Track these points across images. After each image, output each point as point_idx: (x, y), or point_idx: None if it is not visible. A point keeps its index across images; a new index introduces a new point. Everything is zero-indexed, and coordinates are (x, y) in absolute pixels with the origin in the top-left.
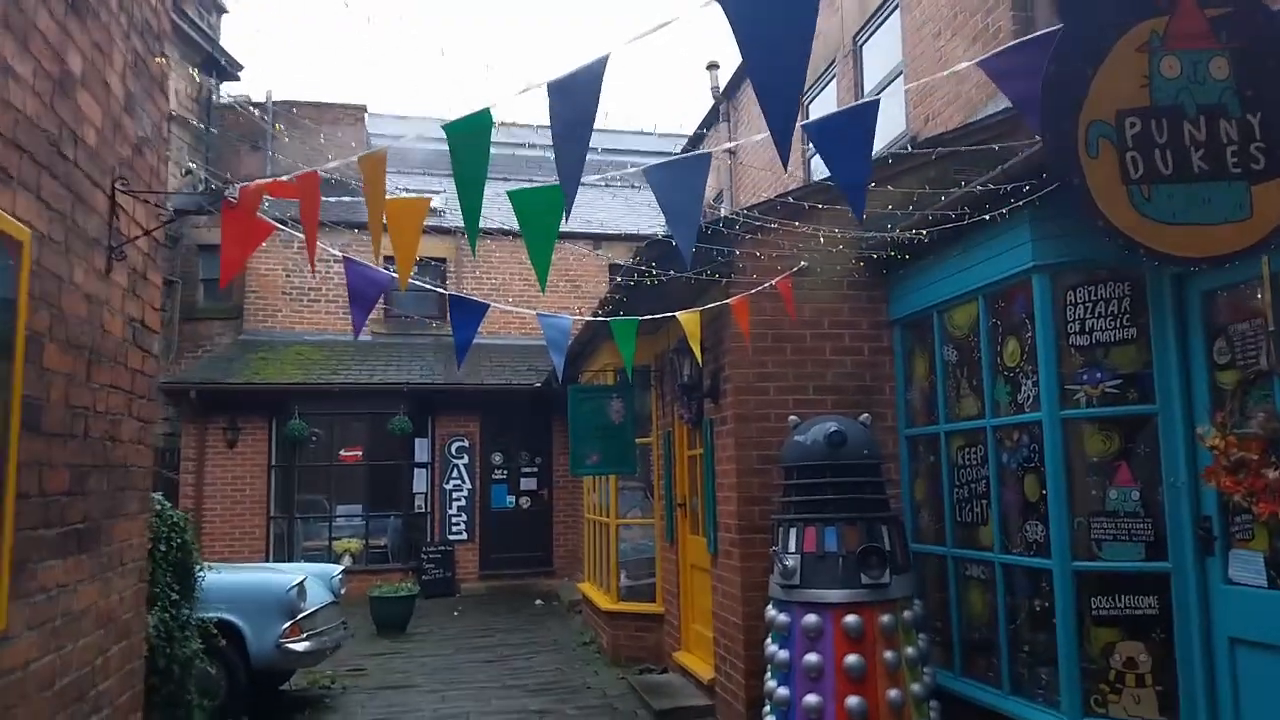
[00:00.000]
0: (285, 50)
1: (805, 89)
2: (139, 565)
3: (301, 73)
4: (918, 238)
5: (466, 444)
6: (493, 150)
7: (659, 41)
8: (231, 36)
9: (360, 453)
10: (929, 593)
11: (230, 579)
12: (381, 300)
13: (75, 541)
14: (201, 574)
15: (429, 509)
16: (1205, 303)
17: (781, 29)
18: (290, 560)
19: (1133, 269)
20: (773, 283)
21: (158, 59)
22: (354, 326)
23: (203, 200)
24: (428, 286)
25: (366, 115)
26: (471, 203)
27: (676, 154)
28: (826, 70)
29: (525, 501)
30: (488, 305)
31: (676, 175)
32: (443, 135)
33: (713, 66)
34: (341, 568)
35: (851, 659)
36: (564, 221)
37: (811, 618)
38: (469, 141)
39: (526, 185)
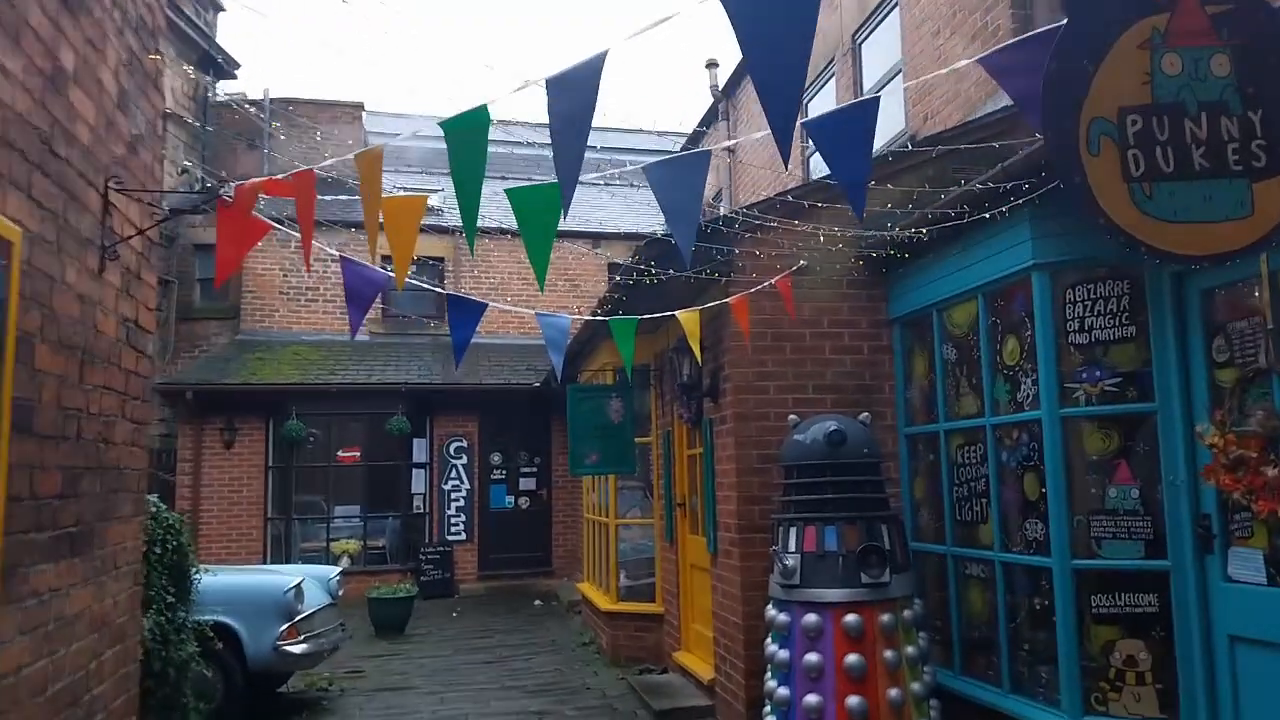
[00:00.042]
0: (283, 48)
1: (804, 87)
2: (133, 568)
3: (300, 71)
4: (917, 236)
5: (465, 444)
6: (491, 149)
7: (658, 39)
8: (228, 34)
9: (358, 453)
10: (929, 591)
11: (227, 581)
12: (379, 300)
13: (68, 545)
14: (197, 576)
15: (427, 509)
16: (1204, 301)
17: (782, 25)
18: (288, 562)
19: (1132, 267)
20: (772, 281)
21: (152, 56)
22: (351, 326)
23: (197, 199)
24: (425, 286)
25: (365, 114)
26: (469, 200)
27: (676, 153)
28: (825, 69)
29: (524, 502)
30: (485, 305)
31: (676, 173)
32: (441, 134)
33: (712, 65)
34: (339, 569)
35: (852, 658)
36: (562, 219)
37: (811, 617)
38: (466, 138)
39: (525, 184)
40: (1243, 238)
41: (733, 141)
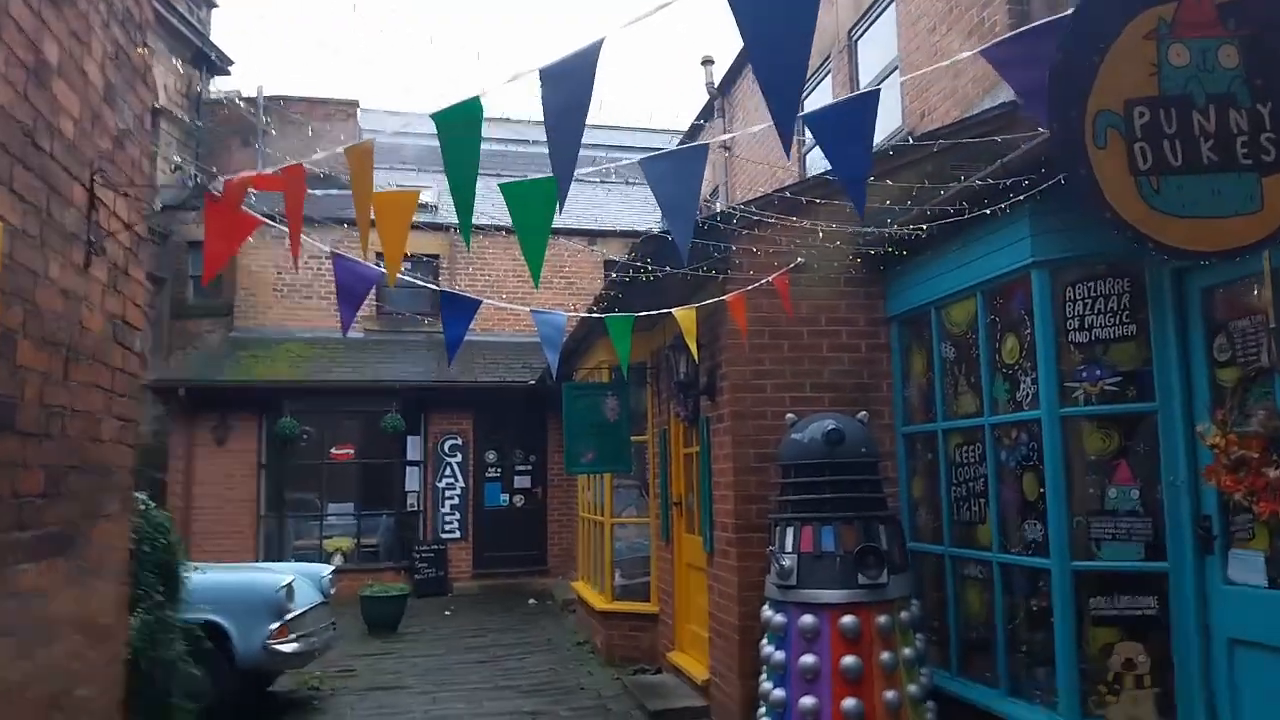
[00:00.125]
0: (277, 45)
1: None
2: (120, 567)
3: (294, 69)
4: (915, 233)
5: (460, 442)
6: (488, 146)
7: (653, 36)
8: (222, 31)
9: (352, 451)
10: (926, 592)
11: (217, 579)
12: (374, 297)
13: (52, 545)
14: (186, 575)
15: (421, 507)
16: (1205, 299)
17: (783, 7)
18: (281, 560)
19: (1133, 264)
20: (770, 279)
21: (140, 49)
22: (343, 322)
23: (186, 194)
24: (419, 283)
25: (359, 111)
26: (463, 194)
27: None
28: (821, 66)
29: (519, 500)
30: (479, 301)
31: (673, 168)
32: (435, 131)
33: (707, 62)
34: (332, 568)
35: (848, 660)
36: (558, 213)
37: (808, 618)
38: (459, 131)
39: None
40: (1252, 233)
41: (729, 135)
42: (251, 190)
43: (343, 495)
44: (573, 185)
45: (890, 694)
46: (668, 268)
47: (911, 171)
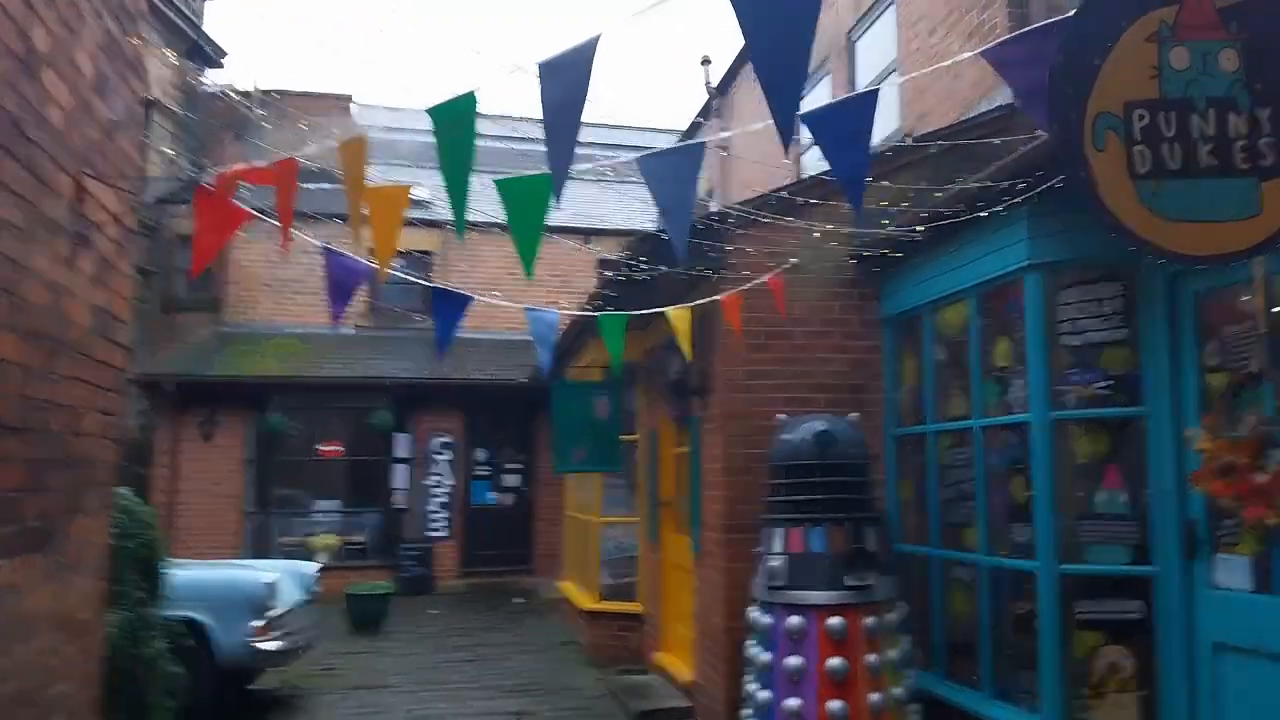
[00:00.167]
0: (272, 39)
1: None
2: (99, 563)
3: (293, 68)
4: (911, 235)
5: (449, 440)
6: (484, 144)
7: (652, 36)
8: (219, 27)
9: (340, 448)
10: (913, 594)
11: (199, 576)
12: (365, 293)
13: (29, 540)
14: (168, 571)
15: (408, 505)
16: (1197, 304)
17: (785, 7)
18: (267, 557)
19: (1127, 268)
20: (764, 279)
21: (132, 39)
22: (332, 315)
23: (176, 186)
24: (410, 278)
25: (354, 105)
26: (458, 188)
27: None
28: (820, 67)
29: (508, 499)
30: (470, 297)
31: (669, 166)
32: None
33: (706, 62)
34: (318, 566)
35: (834, 662)
36: (555, 207)
37: (795, 619)
38: (454, 126)
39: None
40: (1250, 238)
41: (728, 135)
42: (243, 184)
43: (330, 492)
44: (568, 183)
45: (875, 696)
46: (662, 267)
47: (908, 173)
